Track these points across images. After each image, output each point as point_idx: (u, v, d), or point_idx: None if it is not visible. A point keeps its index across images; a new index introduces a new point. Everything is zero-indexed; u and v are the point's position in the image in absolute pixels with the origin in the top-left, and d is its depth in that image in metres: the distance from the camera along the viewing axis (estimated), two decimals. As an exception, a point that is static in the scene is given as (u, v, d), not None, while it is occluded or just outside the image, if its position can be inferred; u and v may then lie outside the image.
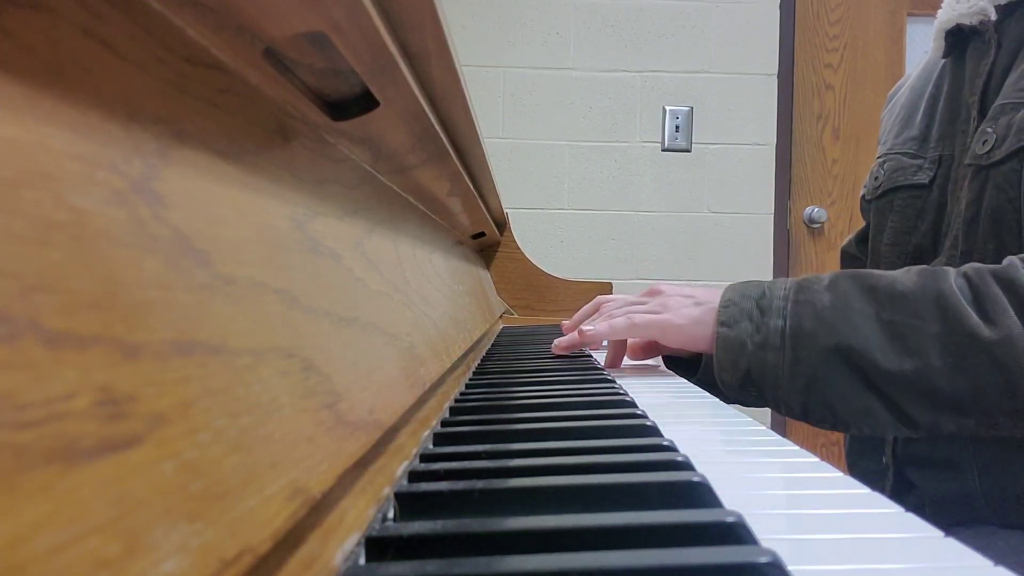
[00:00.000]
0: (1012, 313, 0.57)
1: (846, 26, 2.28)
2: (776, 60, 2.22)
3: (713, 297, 0.69)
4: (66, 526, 0.13)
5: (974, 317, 0.58)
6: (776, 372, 0.63)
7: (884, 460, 0.84)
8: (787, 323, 0.63)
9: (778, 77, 2.22)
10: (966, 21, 0.79)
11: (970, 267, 0.61)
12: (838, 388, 0.61)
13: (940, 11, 0.83)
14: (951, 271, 0.61)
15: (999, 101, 0.72)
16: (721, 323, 0.66)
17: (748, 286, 0.67)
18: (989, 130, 0.72)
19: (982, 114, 0.75)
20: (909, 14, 2.26)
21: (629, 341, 0.80)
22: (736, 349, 0.64)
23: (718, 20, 2.21)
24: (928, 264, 0.71)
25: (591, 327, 0.75)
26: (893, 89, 0.98)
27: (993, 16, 0.77)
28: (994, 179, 0.70)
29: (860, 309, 0.61)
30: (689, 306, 0.70)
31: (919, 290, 0.60)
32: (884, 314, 0.60)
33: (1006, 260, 0.60)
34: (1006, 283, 0.58)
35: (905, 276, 0.62)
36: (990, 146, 0.71)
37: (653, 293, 0.75)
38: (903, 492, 0.82)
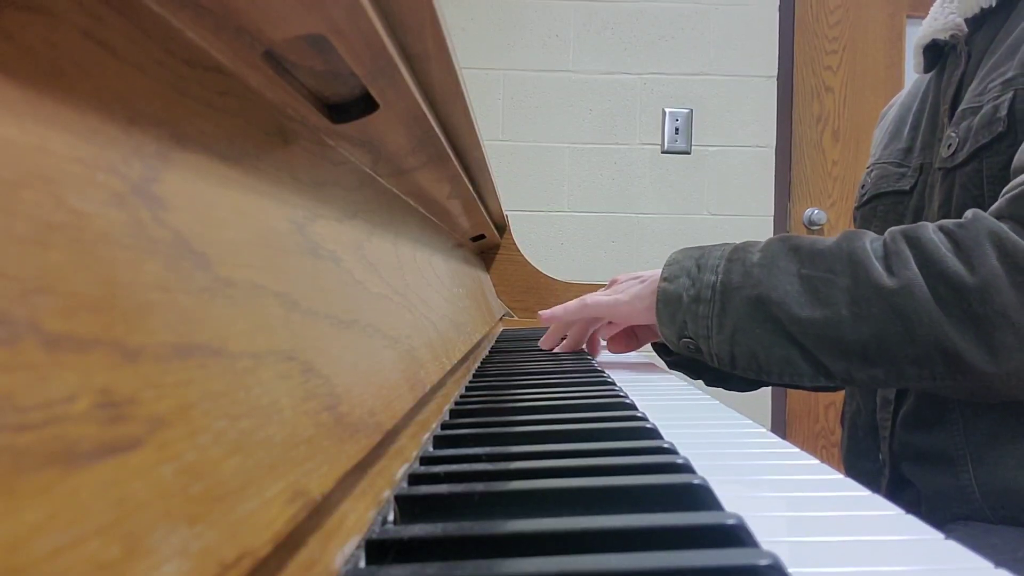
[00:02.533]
0: (913, 265, 0.61)
1: (845, 28, 2.28)
2: (776, 62, 2.22)
3: (658, 275, 0.75)
4: (66, 529, 0.13)
5: (879, 269, 0.62)
6: (707, 323, 0.68)
7: (880, 457, 0.85)
8: (719, 278, 0.69)
9: (778, 79, 2.22)
10: (940, 36, 0.84)
11: (888, 230, 0.65)
12: (759, 337, 0.66)
13: (920, 30, 0.88)
14: (870, 232, 0.66)
15: (961, 107, 0.77)
16: (664, 279, 0.72)
17: (693, 248, 0.74)
18: (953, 134, 0.77)
19: (951, 120, 0.80)
20: (909, 15, 2.26)
21: (608, 336, 0.87)
22: (674, 302, 0.71)
23: (717, 22, 2.21)
24: None
25: (548, 311, 0.84)
26: (885, 108, 1.03)
27: (965, 29, 0.82)
28: (960, 180, 0.74)
29: (784, 266, 0.66)
30: (635, 285, 0.78)
31: (836, 248, 0.65)
32: (804, 269, 0.65)
33: (919, 223, 0.65)
34: (912, 240, 0.62)
35: (829, 238, 0.67)
36: (953, 149, 0.76)
37: (611, 283, 0.84)
38: (900, 489, 0.83)
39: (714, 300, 0.68)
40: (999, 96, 0.71)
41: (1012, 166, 0.68)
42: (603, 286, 1.55)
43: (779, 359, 0.66)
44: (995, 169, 0.71)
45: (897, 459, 0.83)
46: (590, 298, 0.81)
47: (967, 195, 0.73)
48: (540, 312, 0.85)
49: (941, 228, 0.63)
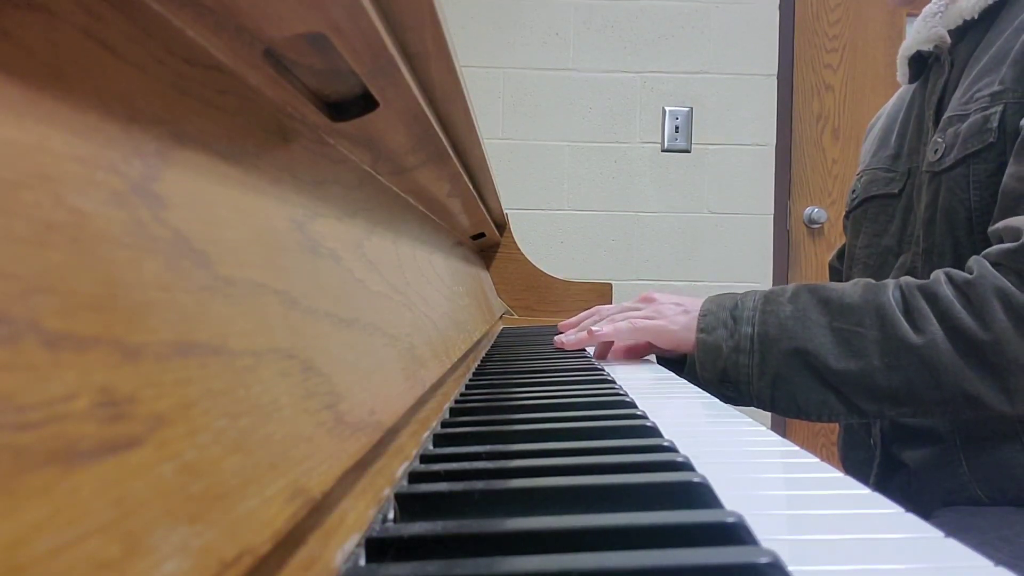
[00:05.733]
0: (934, 321, 0.68)
1: (846, 26, 2.28)
2: (776, 60, 2.22)
3: (697, 305, 0.79)
4: (66, 527, 0.13)
5: (905, 325, 0.69)
6: (747, 372, 0.74)
7: (872, 440, 0.90)
8: (755, 330, 0.74)
9: (778, 77, 2.22)
10: (924, 47, 0.90)
11: (904, 281, 0.72)
12: (799, 384, 0.73)
13: (904, 42, 0.94)
14: (890, 284, 0.72)
15: (947, 114, 0.82)
16: (701, 330, 0.77)
17: (724, 298, 0.78)
18: (940, 140, 0.82)
19: (936, 126, 0.85)
20: (909, 14, 2.26)
21: (622, 344, 0.88)
22: (714, 352, 0.75)
23: (718, 21, 2.21)
24: (895, 261, 0.89)
25: (598, 328, 0.84)
26: (872, 121, 1.09)
27: (948, 40, 0.87)
28: (946, 183, 0.80)
29: (815, 319, 0.73)
30: (679, 313, 0.81)
31: (863, 302, 0.71)
32: (835, 323, 0.72)
33: (933, 274, 0.71)
34: (930, 296, 0.69)
35: (852, 289, 0.73)
36: (941, 154, 0.81)
37: (646, 300, 0.86)
38: (891, 472, 0.88)
39: (753, 351, 0.74)
40: (988, 107, 0.76)
41: (1002, 189, 0.73)
42: (603, 284, 1.56)
43: (817, 403, 0.72)
44: (982, 175, 0.77)
45: (888, 440, 0.87)
46: (639, 321, 0.82)
47: (953, 198, 0.79)
48: (592, 329, 0.84)
49: (952, 281, 0.69)
